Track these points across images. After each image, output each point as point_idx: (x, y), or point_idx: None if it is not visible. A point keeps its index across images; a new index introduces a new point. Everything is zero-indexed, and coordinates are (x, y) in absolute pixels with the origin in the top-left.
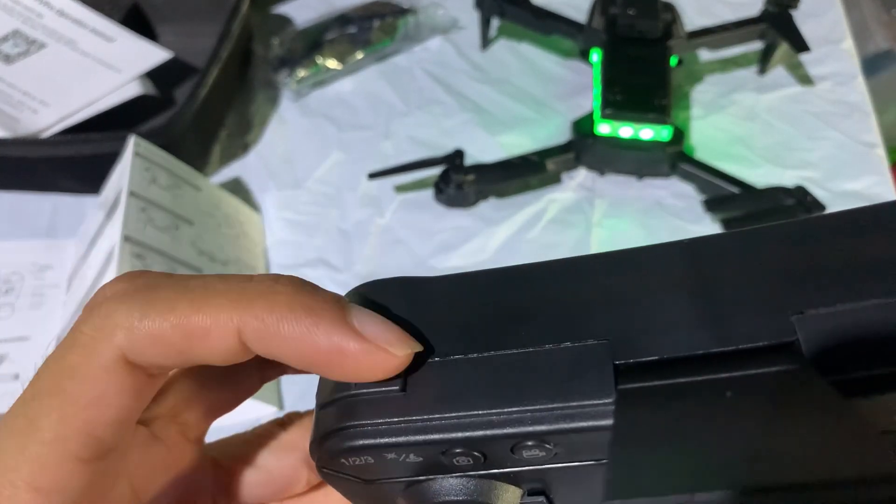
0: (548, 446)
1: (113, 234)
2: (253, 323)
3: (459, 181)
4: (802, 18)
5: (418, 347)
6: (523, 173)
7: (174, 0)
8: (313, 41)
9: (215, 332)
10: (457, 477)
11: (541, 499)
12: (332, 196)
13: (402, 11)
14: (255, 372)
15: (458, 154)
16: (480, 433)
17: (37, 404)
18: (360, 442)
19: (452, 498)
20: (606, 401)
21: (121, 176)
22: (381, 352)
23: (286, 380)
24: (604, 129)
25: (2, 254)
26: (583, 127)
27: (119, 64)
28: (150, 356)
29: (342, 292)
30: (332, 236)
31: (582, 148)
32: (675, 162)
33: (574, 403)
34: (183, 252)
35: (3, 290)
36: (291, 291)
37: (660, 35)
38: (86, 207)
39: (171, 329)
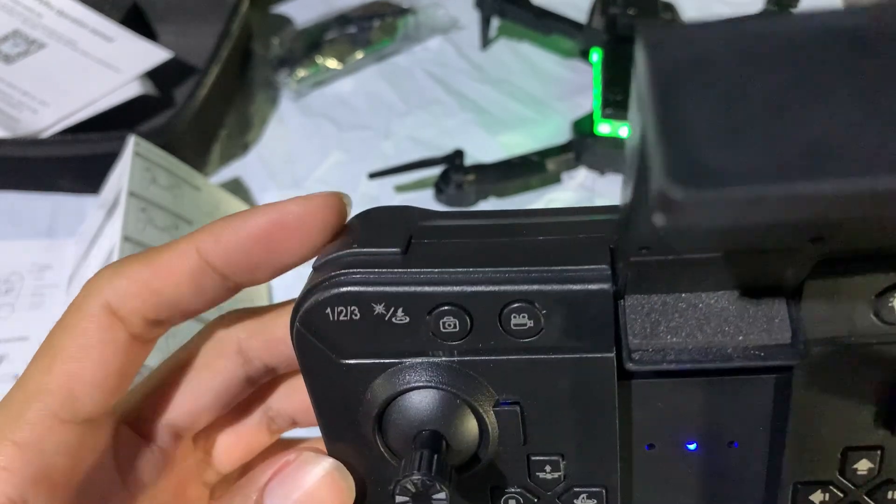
0: (536, 310)
1: (113, 233)
2: (208, 239)
3: (459, 181)
4: None
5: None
6: (523, 173)
7: (174, 0)
8: (313, 41)
9: (178, 262)
10: (429, 361)
11: (515, 408)
12: None
13: (402, 11)
14: (249, 390)
15: (458, 154)
16: (470, 289)
17: (31, 362)
18: (352, 289)
19: (422, 382)
20: (601, 266)
21: (120, 176)
22: (319, 199)
23: None
24: (604, 128)
25: (2, 254)
26: (583, 127)
27: (119, 64)
28: (130, 301)
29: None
30: None
31: (582, 148)
32: None
33: (567, 267)
34: None
35: (3, 291)
36: (244, 213)
37: None
38: (85, 207)
39: (143, 269)
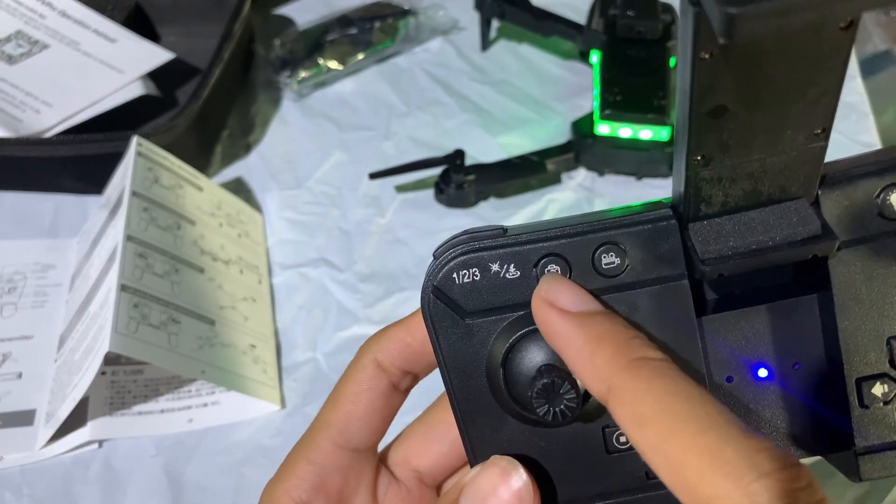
0: (621, 249)
1: (116, 233)
2: None
3: (460, 181)
4: None
5: None
6: (523, 173)
7: (176, 1)
8: (314, 42)
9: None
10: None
11: None
12: (333, 196)
13: (403, 13)
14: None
15: (459, 154)
16: (567, 240)
17: (324, 403)
18: (474, 254)
19: (534, 326)
20: (665, 210)
21: (123, 176)
22: None
23: (287, 379)
24: (603, 129)
25: (5, 253)
26: (582, 127)
27: (121, 65)
28: (389, 354)
29: (343, 291)
30: (333, 236)
31: (581, 148)
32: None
33: (640, 215)
34: (185, 251)
35: (7, 290)
36: None
37: (659, 36)
38: (88, 207)
39: (400, 328)
